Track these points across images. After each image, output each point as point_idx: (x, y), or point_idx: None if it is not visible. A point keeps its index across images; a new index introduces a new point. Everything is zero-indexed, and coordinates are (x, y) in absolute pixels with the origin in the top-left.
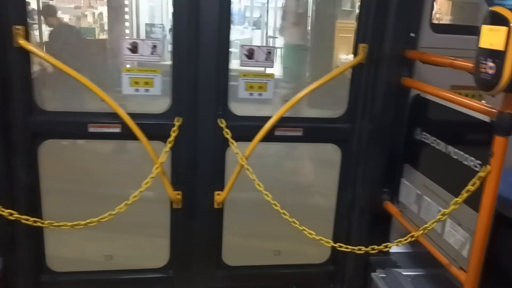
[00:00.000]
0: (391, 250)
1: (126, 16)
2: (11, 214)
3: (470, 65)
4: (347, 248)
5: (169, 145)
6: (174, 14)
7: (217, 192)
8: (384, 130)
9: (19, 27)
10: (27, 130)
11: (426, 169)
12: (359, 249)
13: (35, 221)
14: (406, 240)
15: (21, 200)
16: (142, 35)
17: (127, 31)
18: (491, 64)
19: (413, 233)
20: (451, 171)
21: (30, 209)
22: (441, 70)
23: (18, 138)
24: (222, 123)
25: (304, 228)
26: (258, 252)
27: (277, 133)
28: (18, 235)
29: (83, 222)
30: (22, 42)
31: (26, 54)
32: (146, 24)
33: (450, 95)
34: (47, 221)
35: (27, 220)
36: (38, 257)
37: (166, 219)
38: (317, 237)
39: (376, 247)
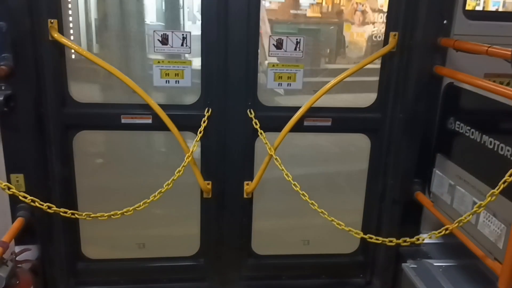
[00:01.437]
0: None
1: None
2: (49, 207)
3: (506, 52)
4: (377, 239)
5: (199, 135)
6: (202, 5)
7: (246, 182)
8: (416, 119)
9: (53, 20)
10: (61, 122)
11: (460, 159)
12: (390, 241)
13: (72, 213)
14: (440, 233)
15: (57, 190)
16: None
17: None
18: None
19: (447, 226)
20: (486, 161)
21: (65, 200)
22: (474, 58)
23: (52, 130)
24: (251, 114)
25: (333, 219)
26: (287, 242)
27: (306, 123)
28: (54, 224)
29: (119, 212)
30: (56, 35)
31: (60, 47)
32: None
33: (485, 83)
34: (85, 213)
35: (65, 213)
36: (74, 245)
37: (197, 209)
38: (347, 228)
39: (408, 239)
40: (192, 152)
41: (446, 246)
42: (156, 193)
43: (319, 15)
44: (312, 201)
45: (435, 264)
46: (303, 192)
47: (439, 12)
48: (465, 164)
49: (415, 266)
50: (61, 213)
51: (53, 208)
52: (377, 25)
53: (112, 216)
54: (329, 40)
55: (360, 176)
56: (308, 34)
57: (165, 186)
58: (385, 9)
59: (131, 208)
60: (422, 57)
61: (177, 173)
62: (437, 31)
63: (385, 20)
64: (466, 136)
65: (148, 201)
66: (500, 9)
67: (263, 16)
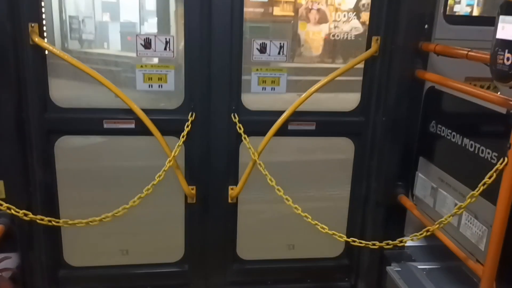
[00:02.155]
0: (406, 244)
1: None
2: (25, 215)
3: (486, 56)
4: (361, 243)
5: (182, 139)
6: (186, 9)
7: (231, 187)
8: (398, 123)
9: (34, 24)
10: (43, 127)
11: (442, 162)
12: (373, 244)
13: (49, 221)
14: (421, 234)
15: (38, 197)
16: None
17: None
18: (508, 55)
19: (428, 227)
20: (467, 164)
21: (46, 206)
22: (455, 62)
23: (34, 135)
24: (235, 118)
25: (316, 222)
26: (272, 246)
27: (290, 127)
28: (35, 231)
29: (97, 218)
30: (37, 39)
31: (41, 52)
32: None
33: (465, 87)
34: (62, 220)
35: (41, 220)
36: (55, 253)
37: (181, 214)
38: (330, 232)
39: (390, 242)
40: (173, 156)
41: (429, 248)
42: (136, 198)
43: (272, 12)
44: (296, 206)
45: (419, 266)
46: (287, 197)
47: (420, 16)
48: (447, 167)
49: (399, 269)
50: (37, 220)
51: (29, 216)
52: (336, 24)
53: (90, 223)
54: (281, 38)
55: (344, 179)
56: (258, 32)
57: (145, 191)
58: (344, 6)
59: (109, 214)
60: (403, 61)
61: (157, 178)
62: (418, 36)
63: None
64: (448, 139)
65: (127, 206)
66: (475, 8)
67: None
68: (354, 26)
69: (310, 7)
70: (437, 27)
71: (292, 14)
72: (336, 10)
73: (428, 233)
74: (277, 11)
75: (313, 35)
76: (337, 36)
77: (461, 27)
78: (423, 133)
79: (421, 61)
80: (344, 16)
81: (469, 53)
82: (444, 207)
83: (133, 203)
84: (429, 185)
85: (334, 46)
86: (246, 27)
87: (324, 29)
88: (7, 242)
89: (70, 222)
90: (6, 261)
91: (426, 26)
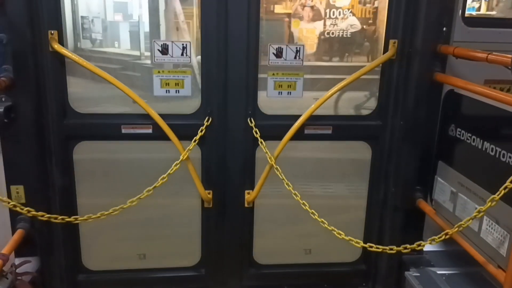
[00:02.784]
0: (425, 249)
1: None
2: (44, 216)
3: (507, 59)
4: (377, 248)
5: (193, 143)
6: (202, 14)
7: (247, 191)
8: (417, 126)
9: (53, 31)
10: (62, 132)
11: (461, 166)
12: (391, 249)
13: (62, 219)
14: (440, 238)
15: (57, 201)
16: None
17: None
18: None
19: (447, 231)
20: (487, 168)
21: (65, 210)
22: (474, 64)
23: (53, 141)
24: (252, 122)
25: (333, 228)
26: (288, 251)
27: (306, 131)
28: (54, 236)
29: (106, 212)
30: (56, 46)
31: (60, 58)
32: None
33: (485, 90)
34: (73, 216)
35: (55, 218)
36: (74, 257)
37: (198, 218)
38: (347, 238)
39: (408, 246)
40: (181, 160)
41: (449, 254)
42: (135, 198)
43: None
44: (313, 211)
45: (438, 272)
46: (303, 201)
47: (438, 19)
48: (466, 171)
49: (418, 274)
50: (52, 219)
51: (45, 216)
52: (330, 21)
53: (100, 217)
54: (273, 36)
55: (361, 184)
56: None
57: (145, 192)
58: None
59: (117, 208)
60: (421, 64)
61: (161, 179)
62: (436, 38)
63: (384, 27)
64: (467, 143)
65: (125, 206)
66: (483, 4)
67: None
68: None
69: (304, 4)
70: (456, 30)
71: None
72: (332, 7)
73: (447, 236)
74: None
75: (307, 33)
76: (332, 33)
77: (480, 29)
78: (442, 137)
79: (440, 64)
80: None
81: (489, 56)
82: (464, 212)
83: (131, 202)
84: (448, 189)
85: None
86: None
87: (318, 26)
88: (27, 247)
89: (80, 218)
90: (26, 265)
91: (444, 28)
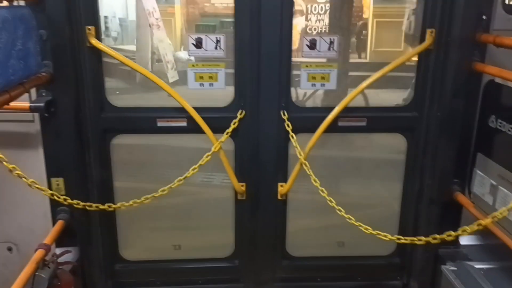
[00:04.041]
0: (462, 243)
1: None
2: (87, 206)
3: None
4: (405, 239)
5: (225, 136)
6: (236, 7)
7: (280, 184)
8: (454, 118)
9: (91, 27)
10: (99, 126)
11: (502, 158)
12: (419, 240)
13: (97, 206)
14: (471, 228)
15: (95, 193)
16: None
17: None
18: None
19: (480, 221)
20: None
21: (103, 201)
22: None
23: (91, 134)
24: (285, 115)
25: (360, 223)
26: (322, 243)
27: (340, 123)
28: (93, 227)
29: (138, 200)
30: (93, 41)
31: (97, 53)
32: None
33: None
34: (106, 204)
35: (90, 206)
36: (112, 247)
37: (231, 210)
38: (374, 232)
39: (438, 236)
40: (213, 151)
41: (486, 248)
42: (166, 187)
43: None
44: (339, 207)
45: (476, 266)
46: (330, 198)
47: (477, 7)
48: (508, 164)
49: (455, 268)
50: (86, 207)
51: (80, 204)
52: (311, 16)
53: (133, 204)
54: None
55: (396, 176)
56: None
57: (176, 182)
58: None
59: (149, 196)
60: (460, 54)
61: (191, 170)
62: (475, 27)
63: (421, 16)
64: (509, 134)
65: (157, 195)
66: None
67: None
68: None
69: None
70: (496, 17)
71: None
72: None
73: (480, 227)
74: None
75: None
76: (314, 29)
77: None
78: (482, 128)
79: (479, 53)
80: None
81: None
82: (505, 205)
83: (163, 192)
84: (488, 182)
85: None
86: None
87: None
88: (67, 237)
89: (113, 206)
90: (66, 255)
91: (484, 16)
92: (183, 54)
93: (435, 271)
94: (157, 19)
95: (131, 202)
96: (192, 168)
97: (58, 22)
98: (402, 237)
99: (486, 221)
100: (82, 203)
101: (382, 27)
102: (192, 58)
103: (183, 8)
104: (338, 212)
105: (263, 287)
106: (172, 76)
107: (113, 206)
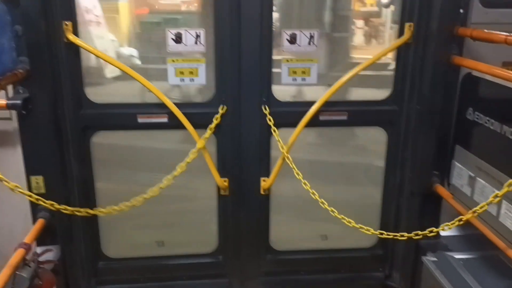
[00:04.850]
0: (442, 234)
1: None
2: (52, 205)
3: None
4: (388, 235)
5: (209, 131)
6: (215, 3)
7: (263, 178)
8: (433, 111)
9: (68, 22)
10: (79, 123)
11: (480, 150)
12: (402, 235)
13: (73, 211)
14: (453, 224)
15: (76, 191)
16: None
17: None
18: None
19: (461, 217)
20: (506, 152)
21: (84, 199)
22: (492, 47)
23: (70, 131)
24: (266, 110)
25: (343, 216)
26: (305, 237)
27: (321, 117)
28: (74, 225)
29: (117, 208)
30: (71, 37)
31: (75, 49)
32: None
33: (504, 72)
34: (83, 209)
35: (65, 209)
36: (94, 245)
37: (214, 206)
38: (357, 226)
39: (420, 232)
40: (198, 148)
41: (466, 238)
42: (155, 187)
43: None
44: (322, 200)
45: (456, 256)
46: (313, 191)
47: (455, 1)
48: (485, 155)
49: (435, 259)
50: (62, 210)
51: (55, 206)
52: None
53: (111, 212)
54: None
55: (377, 169)
56: (171, 23)
57: (165, 181)
58: None
59: (129, 204)
60: (438, 47)
61: (179, 168)
62: (453, 20)
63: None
64: (486, 126)
65: (147, 196)
66: None
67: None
68: None
69: None
70: (473, 11)
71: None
72: None
73: (461, 222)
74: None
75: None
76: None
77: (498, 10)
78: (460, 121)
79: (457, 47)
80: None
81: (508, 37)
82: (483, 196)
83: (153, 192)
84: (466, 174)
85: None
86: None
87: None
88: (48, 235)
89: (91, 212)
90: (47, 253)
91: (461, 10)
92: (126, 51)
93: (416, 261)
94: (97, 16)
95: (122, 206)
96: (179, 166)
97: (33, 17)
98: (384, 232)
99: (467, 216)
100: (70, 208)
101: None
102: (135, 54)
103: (130, 5)
104: (321, 205)
105: (247, 282)
106: (111, 71)
107: (104, 211)
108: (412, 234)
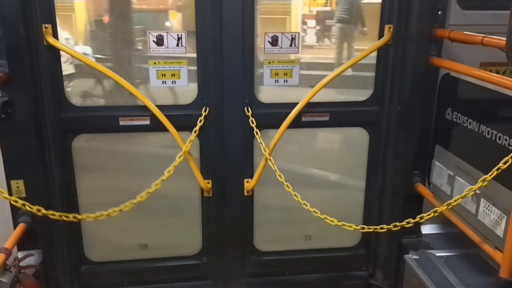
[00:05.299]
0: (424, 232)
1: None
2: (38, 210)
3: (502, 42)
4: (369, 228)
5: (194, 134)
6: (196, 5)
7: (246, 180)
8: (414, 111)
9: (47, 25)
10: (59, 126)
11: (458, 150)
12: (382, 228)
13: (60, 216)
14: (429, 215)
15: (58, 195)
16: None
17: None
18: None
19: (436, 208)
20: (484, 151)
21: (66, 203)
22: (470, 48)
23: (51, 134)
24: (249, 112)
25: (325, 216)
26: (289, 237)
27: (304, 119)
28: (55, 229)
29: (105, 213)
30: (51, 40)
31: (55, 52)
32: None
33: (481, 73)
34: (72, 214)
35: (53, 214)
36: (76, 249)
37: (198, 208)
38: (340, 223)
39: (398, 224)
40: (184, 152)
41: (447, 236)
42: (144, 193)
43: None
44: (305, 202)
45: (437, 254)
46: (295, 193)
47: (433, 2)
48: (463, 155)
49: (417, 257)
50: (49, 215)
51: (42, 211)
52: None
53: (97, 218)
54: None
55: (359, 169)
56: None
57: (153, 186)
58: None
59: (117, 209)
60: (417, 48)
61: (166, 173)
62: (432, 22)
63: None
64: (464, 126)
65: (135, 201)
66: None
67: None
68: None
69: None
70: (451, 13)
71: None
72: None
73: (436, 214)
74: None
75: None
76: None
77: (475, 12)
78: (439, 121)
79: (436, 48)
80: None
81: (484, 38)
82: (461, 194)
83: (141, 198)
84: (446, 173)
85: None
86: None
87: None
88: (29, 240)
89: (78, 216)
90: (29, 258)
91: (439, 12)
92: (79, 49)
93: (399, 260)
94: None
95: (110, 211)
96: (166, 170)
97: (12, 20)
98: (366, 226)
99: (442, 208)
100: (58, 214)
101: None
102: (88, 52)
103: (86, 3)
104: (304, 206)
105: (232, 283)
106: (66, 69)
107: (91, 216)
108: (391, 226)
